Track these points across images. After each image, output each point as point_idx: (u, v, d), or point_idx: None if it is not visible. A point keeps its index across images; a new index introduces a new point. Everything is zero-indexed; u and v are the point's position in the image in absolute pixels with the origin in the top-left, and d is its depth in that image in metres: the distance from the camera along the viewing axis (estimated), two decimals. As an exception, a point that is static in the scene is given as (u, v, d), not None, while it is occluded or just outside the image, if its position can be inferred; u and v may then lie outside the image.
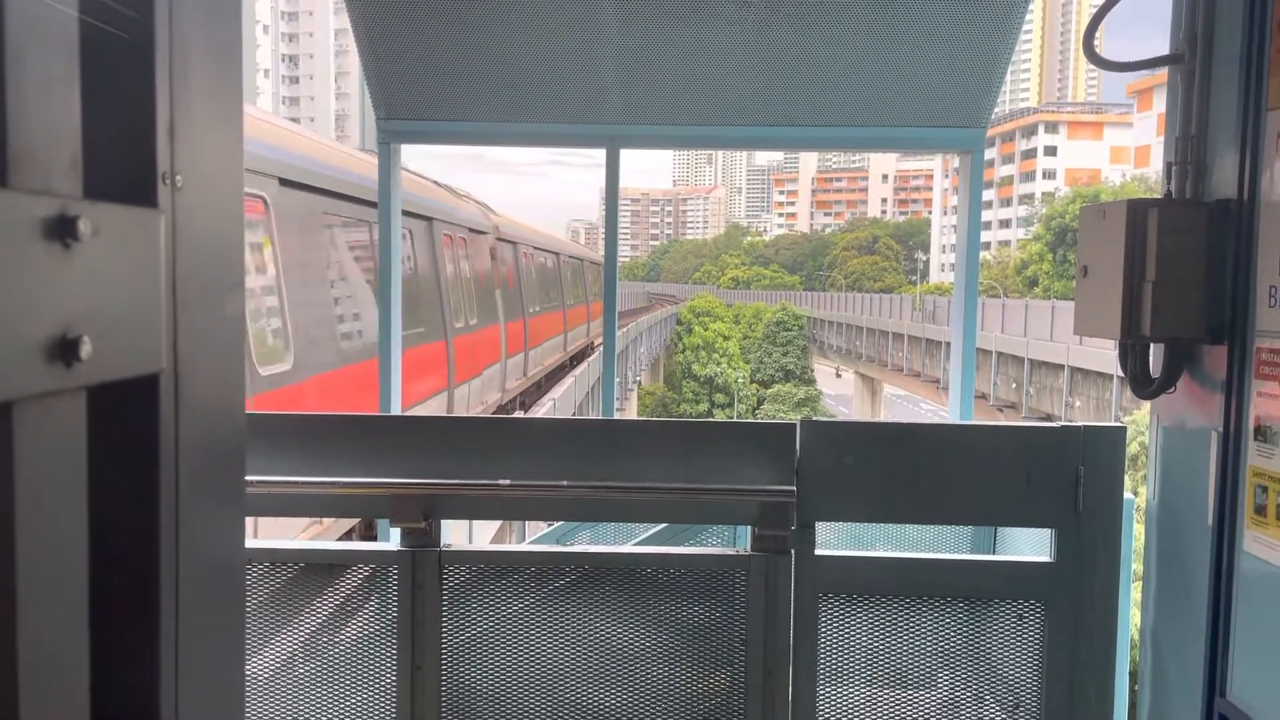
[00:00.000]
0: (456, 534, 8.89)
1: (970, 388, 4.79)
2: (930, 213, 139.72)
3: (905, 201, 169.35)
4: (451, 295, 13.63)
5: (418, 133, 4.84)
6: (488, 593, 2.95)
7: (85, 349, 0.79)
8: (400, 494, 2.93)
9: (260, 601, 2.93)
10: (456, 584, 2.94)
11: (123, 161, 0.92)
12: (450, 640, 2.92)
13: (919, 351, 52.14)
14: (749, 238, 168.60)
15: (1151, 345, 2.89)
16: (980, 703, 2.98)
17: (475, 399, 14.59)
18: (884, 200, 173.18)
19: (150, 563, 0.97)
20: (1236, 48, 2.59)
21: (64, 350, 0.78)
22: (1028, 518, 3.10)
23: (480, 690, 2.93)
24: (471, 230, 15.72)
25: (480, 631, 2.94)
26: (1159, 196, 2.84)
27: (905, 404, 67.54)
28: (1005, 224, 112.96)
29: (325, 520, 7.87)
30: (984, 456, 2.95)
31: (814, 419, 2.98)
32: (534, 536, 6.01)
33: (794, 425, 2.94)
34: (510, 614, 2.94)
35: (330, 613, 2.98)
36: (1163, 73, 2.97)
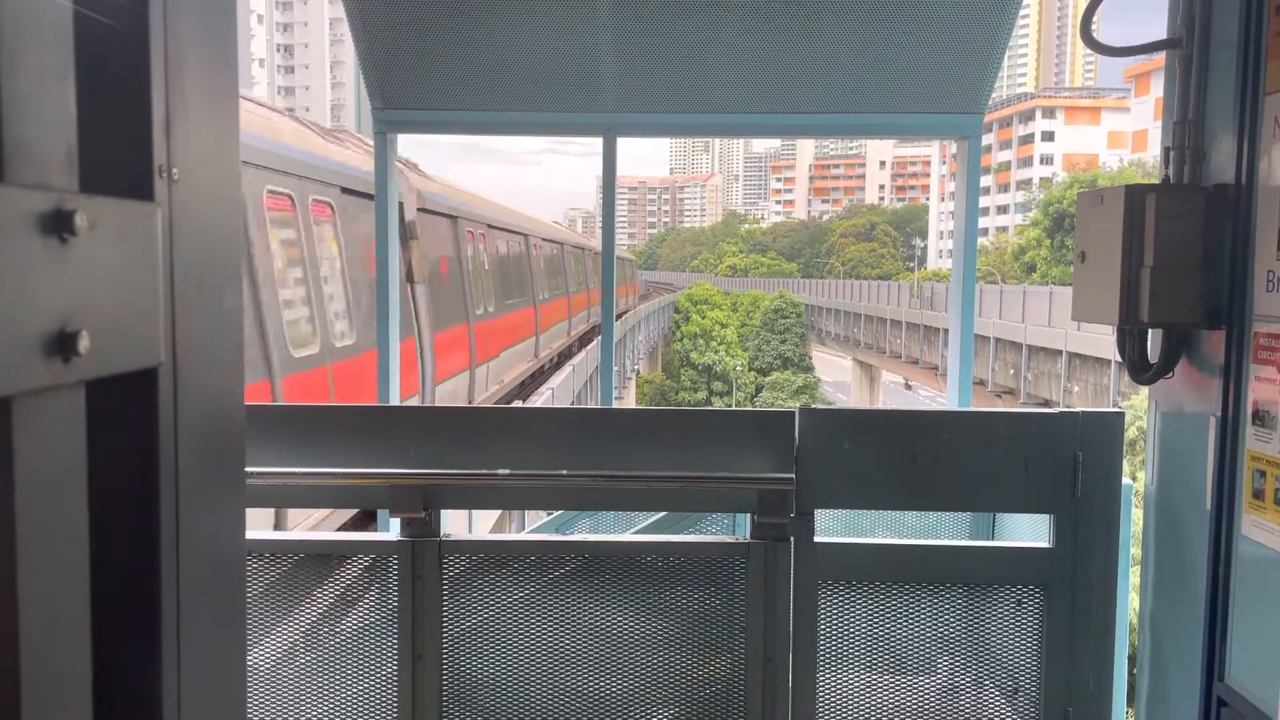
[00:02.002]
0: (456, 523, 8.91)
1: (968, 374, 4.80)
2: (928, 199, 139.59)
3: (903, 188, 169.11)
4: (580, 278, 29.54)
5: (414, 122, 4.83)
6: (488, 582, 2.95)
7: (83, 343, 0.79)
8: (399, 484, 2.93)
9: (261, 592, 2.94)
10: (456, 573, 2.95)
11: (118, 155, 0.92)
12: (451, 630, 2.93)
13: (917, 338, 52.16)
14: (746, 225, 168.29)
15: (1150, 330, 2.89)
16: (979, 687, 2.99)
17: (578, 323, 27.98)
18: (881, 187, 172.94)
19: (151, 555, 0.97)
20: (1234, 32, 2.58)
21: (62, 345, 0.78)
22: (1026, 503, 3.10)
23: (481, 679, 2.94)
24: (583, 249, 32.10)
25: (481, 621, 2.95)
26: (1157, 182, 2.84)
27: (903, 390, 67.58)
28: (1003, 210, 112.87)
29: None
30: (982, 443, 2.95)
31: (812, 406, 2.98)
32: (533, 525, 6.02)
33: (792, 413, 2.94)
34: (510, 603, 2.95)
35: (331, 603, 2.99)
36: (1160, 57, 2.96)
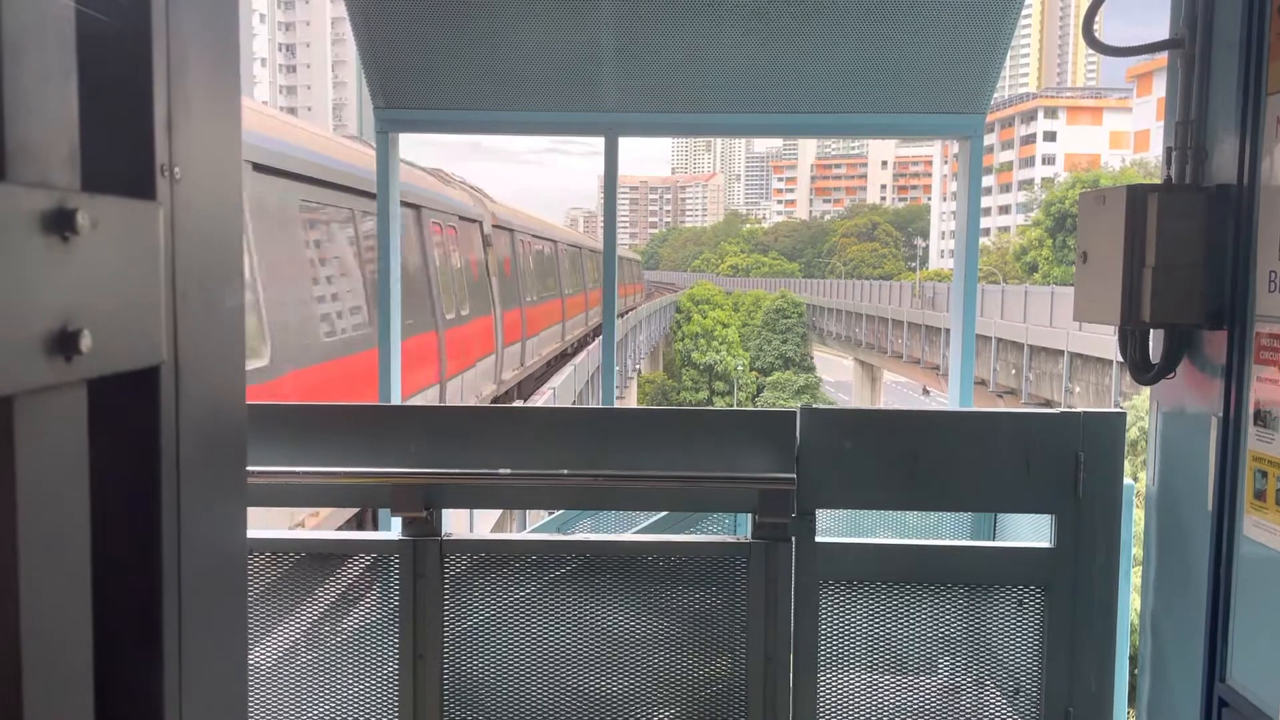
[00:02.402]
0: (457, 523, 8.93)
1: (970, 374, 4.79)
2: (929, 199, 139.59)
3: (905, 188, 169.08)
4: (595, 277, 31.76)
5: (416, 122, 4.84)
6: (489, 581, 2.95)
7: (85, 342, 0.79)
8: (401, 484, 2.93)
9: (262, 591, 2.94)
10: (458, 573, 2.95)
11: (121, 154, 0.92)
12: (452, 629, 2.93)
13: (919, 338, 52.15)
14: (748, 225, 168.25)
15: (1151, 331, 2.89)
16: (980, 688, 2.99)
17: (593, 315, 30.26)
18: (883, 186, 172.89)
19: (152, 554, 0.97)
20: (1236, 32, 2.58)
21: (64, 343, 0.78)
22: (1028, 503, 3.10)
23: (482, 678, 2.94)
24: (598, 251, 31.67)
25: (482, 620, 2.95)
26: (1159, 182, 2.84)
27: (905, 390, 67.56)
28: (1005, 210, 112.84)
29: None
30: (984, 443, 2.95)
31: (814, 406, 2.98)
32: (534, 525, 6.03)
33: (794, 413, 2.94)
34: (511, 602, 2.95)
35: (332, 602, 2.99)
36: (1163, 57, 2.96)
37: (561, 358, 24.19)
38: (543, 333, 21.94)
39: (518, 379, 18.61)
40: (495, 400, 16.71)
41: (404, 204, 10.61)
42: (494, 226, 17.52)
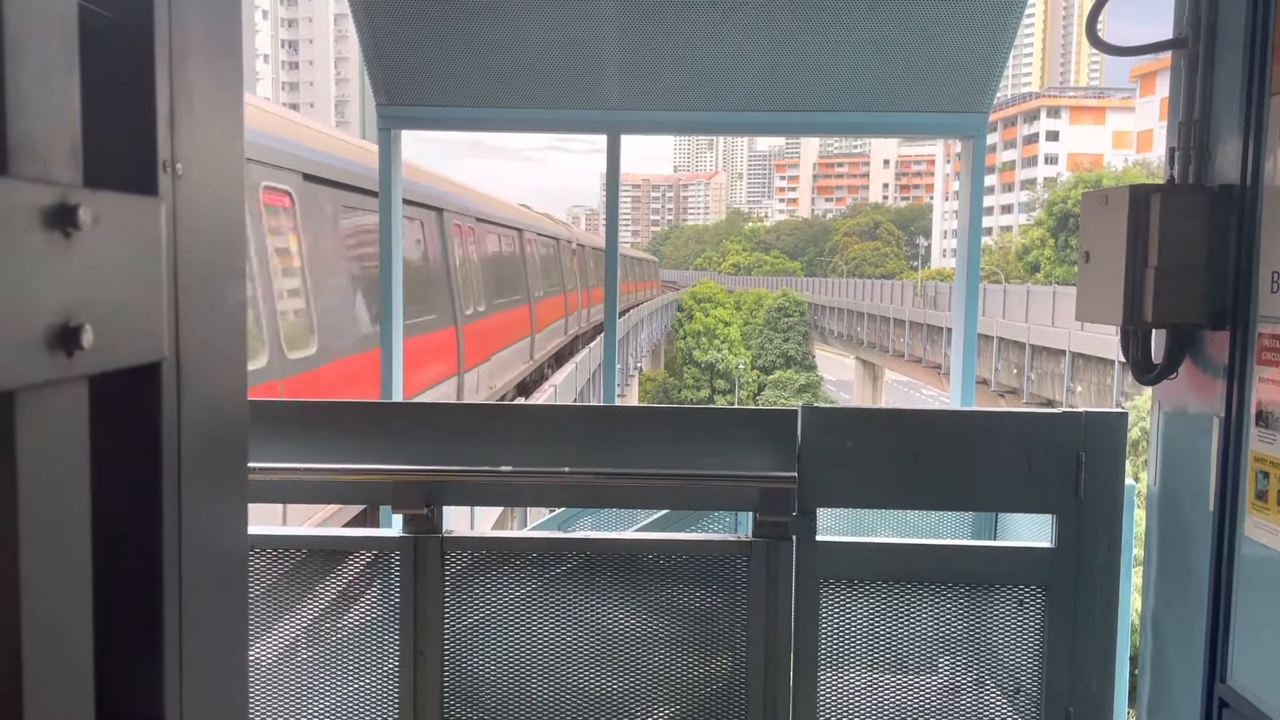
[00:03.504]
0: (458, 520, 8.96)
1: (971, 373, 4.79)
2: (932, 198, 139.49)
3: (907, 187, 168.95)
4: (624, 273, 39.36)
5: (418, 119, 4.83)
6: (489, 579, 2.96)
7: (87, 338, 0.79)
8: (402, 481, 2.93)
9: (263, 588, 2.94)
10: (458, 570, 2.95)
11: (123, 150, 0.92)
12: (452, 626, 2.93)
13: (920, 337, 52.13)
14: (750, 223, 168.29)
15: (1153, 331, 2.89)
16: (981, 687, 2.99)
17: (622, 302, 34.83)
18: (885, 185, 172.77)
19: (153, 550, 0.97)
20: (1240, 32, 2.58)
21: (66, 339, 0.78)
22: (1029, 503, 3.10)
23: (482, 676, 2.94)
24: (629, 256, 48.67)
25: (482, 617, 2.95)
26: (1161, 182, 2.83)
27: (907, 389, 67.54)
28: (1007, 209, 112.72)
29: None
30: (985, 442, 2.95)
31: (815, 405, 2.98)
32: (535, 523, 6.03)
33: (795, 411, 2.94)
34: (512, 600, 2.95)
35: (333, 599, 2.99)
36: (1166, 57, 2.95)
37: (597, 330, 33.56)
38: (596, 306, 33.41)
39: (582, 330, 29.88)
40: (575, 338, 26.85)
41: (549, 236, 24.34)
42: (577, 244, 30.16)
